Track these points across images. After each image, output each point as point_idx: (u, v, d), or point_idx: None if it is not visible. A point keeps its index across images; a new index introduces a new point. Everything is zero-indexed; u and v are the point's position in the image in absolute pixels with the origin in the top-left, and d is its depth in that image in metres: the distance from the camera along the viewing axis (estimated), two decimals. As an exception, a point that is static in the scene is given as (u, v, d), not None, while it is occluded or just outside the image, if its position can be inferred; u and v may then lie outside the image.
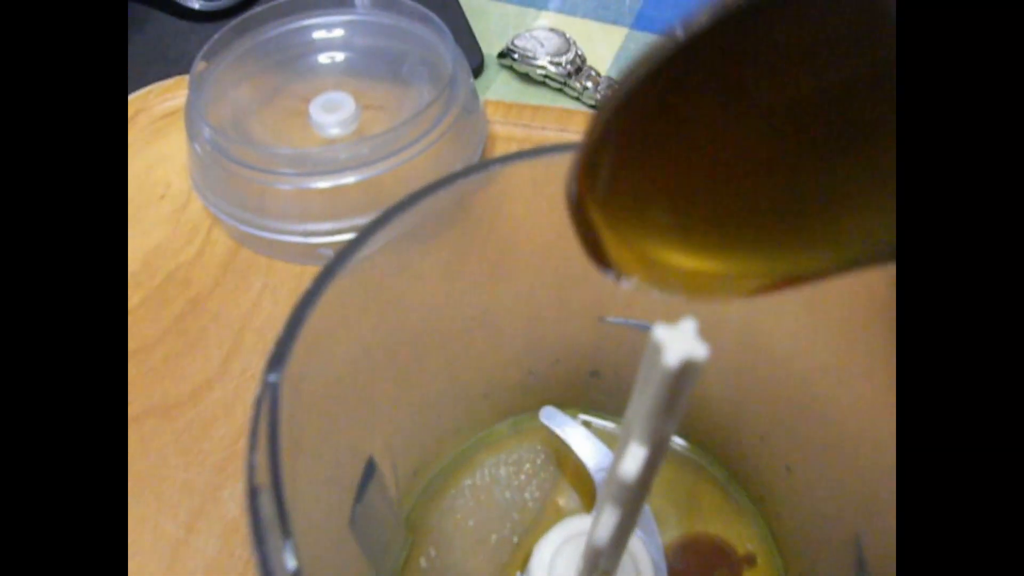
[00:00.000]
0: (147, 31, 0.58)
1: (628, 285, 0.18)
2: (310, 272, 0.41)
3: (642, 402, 0.17)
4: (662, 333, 0.15)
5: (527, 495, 0.33)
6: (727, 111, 0.16)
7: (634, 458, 0.18)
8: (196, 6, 0.58)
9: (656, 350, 0.15)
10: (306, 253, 0.41)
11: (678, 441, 0.34)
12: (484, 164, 0.25)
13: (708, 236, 0.18)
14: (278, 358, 0.20)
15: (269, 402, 0.19)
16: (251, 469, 0.19)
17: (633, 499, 0.19)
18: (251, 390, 0.37)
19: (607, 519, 0.20)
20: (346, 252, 0.22)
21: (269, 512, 0.18)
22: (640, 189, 0.17)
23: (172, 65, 0.54)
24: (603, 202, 0.17)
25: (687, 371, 0.15)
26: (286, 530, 0.18)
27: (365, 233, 0.23)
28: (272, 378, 0.19)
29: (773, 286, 0.18)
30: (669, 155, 0.17)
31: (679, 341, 0.15)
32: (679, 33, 0.14)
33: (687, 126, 0.16)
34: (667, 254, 0.18)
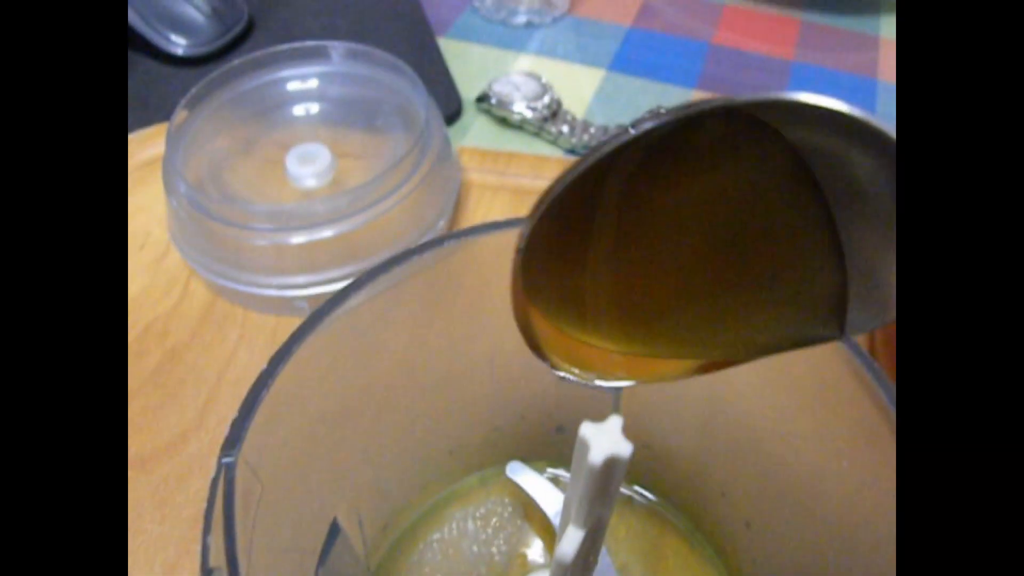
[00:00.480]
0: (131, 77, 0.59)
1: (563, 376, 0.19)
2: (286, 323, 0.42)
3: (576, 489, 0.18)
4: (588, 431, 0.16)
5: (494, 549, 0.33)
6: (630, 224, 0.18)
7: (571, 540, 0.18)
8: (179, 52, 0.59)
9: (584, 447, 0.16)
10: (282, 305, 0.41)
11: (644, 494, 0.35)
12: (445, 237, 0.26)
13: (626, 328, 0.20)
14: (232, 441, 0.20)
15: (224, 484, 0.20)
16: (205, 551, 0.19)
17: (574, 575, 0.20)
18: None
19: None
20: (305, 328, 0.23)
21: (223, 592, 0.19)
22: (564, 286, 0.19)
23: (154, 110, 0.55)
24: (536, 297, 0.19)
25: (612, 467, 0.16)
26: (241, 609, 0.19)
27: (324, 309, 0.23)
28: (226, 460, 0.20)
29: (693, 372, 0.19)
30: (585, 258, 0.18)
31: (604, 439, 0.16)
32: (592, 156, 0.16)
33: (598, 232, 0.18)
34: (590, 338, 0.19)
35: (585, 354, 0.20)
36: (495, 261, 0.28)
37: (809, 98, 0.14)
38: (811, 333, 0.19)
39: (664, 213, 0.18)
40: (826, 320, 0.18)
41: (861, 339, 0.38)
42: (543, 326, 0.19)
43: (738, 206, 0.17)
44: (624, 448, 0.16)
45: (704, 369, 0.20)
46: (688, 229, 0.18)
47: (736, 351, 0.19)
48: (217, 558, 0.19)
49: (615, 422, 0.16)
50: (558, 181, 0.16)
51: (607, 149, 0.16)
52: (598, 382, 0.20)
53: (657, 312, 0.19)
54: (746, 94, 0.15)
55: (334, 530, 0.27)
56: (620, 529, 0.34)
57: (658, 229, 0.18)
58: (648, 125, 0.15)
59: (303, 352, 0.23)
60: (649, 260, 0.18)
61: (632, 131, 0.15)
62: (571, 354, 0.20)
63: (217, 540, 0.19)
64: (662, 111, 0.15)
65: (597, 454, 0.16)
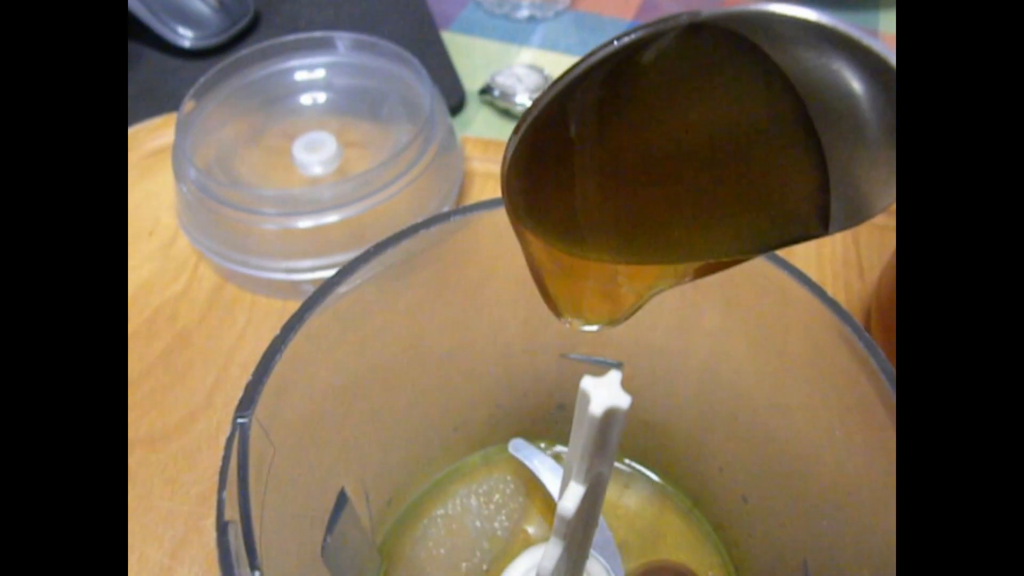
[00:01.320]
0: (139, 68, 0.59)
1: (568, 322, 0.20)
2: (293, 307, 0.42)
3: (577, 444, 0.18)
4: (589, 384, 0.17)
5: (496, 524, 0.34)
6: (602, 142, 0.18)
7: (572, 495, 0.19)
8: (186, 44, 0.60)
9: (585, 399, 0.17)
10: (289, 289, 0.42)
11: (643, 471, 0.36)
12: (451, 213, 0.27)
13: (618, 238, 0.20)
14: (247, 401, 0.21)
15: (239, 442, 0.21)
16: (220, 504, 0.20)
17: (575, 533, 0.21)
18: (234, 422, 0.38)
19: (551, 551, 0.21)
20: (315, 298, 0.24)
21: (238, 545, 0.20)
22: (557, 206, 0.19)
23: (162, 101, 0.56)
24: (534, 221, 0.19)
25: (611, 418, 0.17)
26: (253, 563, 0.19)
27: (333, 280, 0.24)
28: (241, 420, 0.21)
29: (690, 275, 0.20)
30: (573, 176, 0.19)
31: (604, 391, 0.17)
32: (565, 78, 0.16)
33: (584, 150, 0.18)
34: (588, 253, 0.20)
35: (585, 272, 0.20)
36: (500, 237, 0.28)
37: (777, 8, 0.15)
38: (798, 231, 0.19)
39: (647, 128, 0.18)
40: (810, 219, 0.18)
41: (857, 314, 0.39)
42: (542, 252, 0.20)
43: (720, 118, 0.17)
44: (623, 399, 0.17)
45: (700, 272, 0.20)
46: (672, 141, 0.18)
47: (730, 250, 0.19)
48: (231, 513, 0.20)
49: (614, 376, 0.17)
50: (540, 99, 0.17)
51: (585, 66, 0.16)
52: (587, 327, 0.20)
53: (647, 220, 0.19)
54: (714, 9, 0.15)
55: (341, 500, 0.28)
56: (619, 507, 0.35)
57: (642, 143, 0.18)
58: (627, 40, 0.15)
59: (315, 321, 0.23)
60: (635, 173, 0.18)
61: (616, 43, 0.16)
62: (573, 277, 0.20)
63: (232, 495, 0.20)
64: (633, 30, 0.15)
65: (597, 405, 0.16)
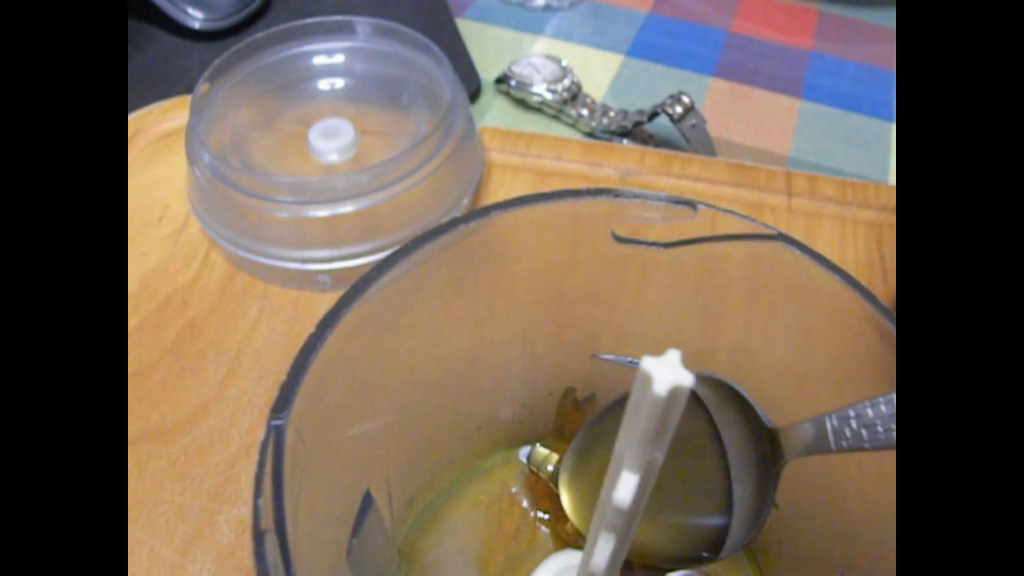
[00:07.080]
0: (148, 50, 0.58)
1: None
2: (307, 297, 0.42)
3: (633, 431, 0.18)
4: (651, 364, 0.16)
5: (516, 528, 0.33)
6: None
7: (627, 485, 0.19)
8: (197, 26, 0.59)
9: (646, 380, 0.16)
10: (303, 279, 0.41)
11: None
12: (490, 208, 0.26)
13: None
14: (282, 403, 0.20)
15: (274, 446, 0.20)
16: (256, 512, 0.19)
17: (626, 524, 0.20)
18: (247, 415, 0.37)
19: (603, 545, 0.21)
20: (348, 297, 0.23)
21: (274, 554, 0.19)
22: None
23: (172, 84, 0.55)
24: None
25: (674, 397, 0.16)
26: (288, 571, 0.19)
27: (366, 279, 0.23)
28: (276, 422, 0.20)
29: None
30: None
31: (666, 371, 0.16)
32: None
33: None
34: None
35: None
36: (528, 235, 0.28)
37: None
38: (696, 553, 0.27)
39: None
40: (708, 548, 0.26)
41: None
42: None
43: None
44: (686, 378, 0.16)
45: None
46: None
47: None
48: (267, 521, 0.19)
49: (674, 355, 0.16)
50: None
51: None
52: None
53: None
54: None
55: (367, 502, 0.27)
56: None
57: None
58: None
59: (349, 319, 0.23)
60: None
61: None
62: None
63: (267, 503, 0.19)
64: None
65: (661, 384, 0.16)
